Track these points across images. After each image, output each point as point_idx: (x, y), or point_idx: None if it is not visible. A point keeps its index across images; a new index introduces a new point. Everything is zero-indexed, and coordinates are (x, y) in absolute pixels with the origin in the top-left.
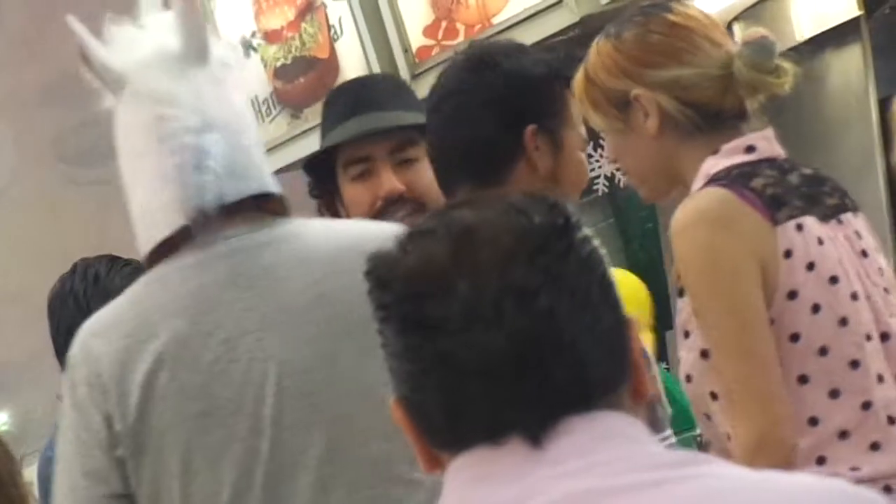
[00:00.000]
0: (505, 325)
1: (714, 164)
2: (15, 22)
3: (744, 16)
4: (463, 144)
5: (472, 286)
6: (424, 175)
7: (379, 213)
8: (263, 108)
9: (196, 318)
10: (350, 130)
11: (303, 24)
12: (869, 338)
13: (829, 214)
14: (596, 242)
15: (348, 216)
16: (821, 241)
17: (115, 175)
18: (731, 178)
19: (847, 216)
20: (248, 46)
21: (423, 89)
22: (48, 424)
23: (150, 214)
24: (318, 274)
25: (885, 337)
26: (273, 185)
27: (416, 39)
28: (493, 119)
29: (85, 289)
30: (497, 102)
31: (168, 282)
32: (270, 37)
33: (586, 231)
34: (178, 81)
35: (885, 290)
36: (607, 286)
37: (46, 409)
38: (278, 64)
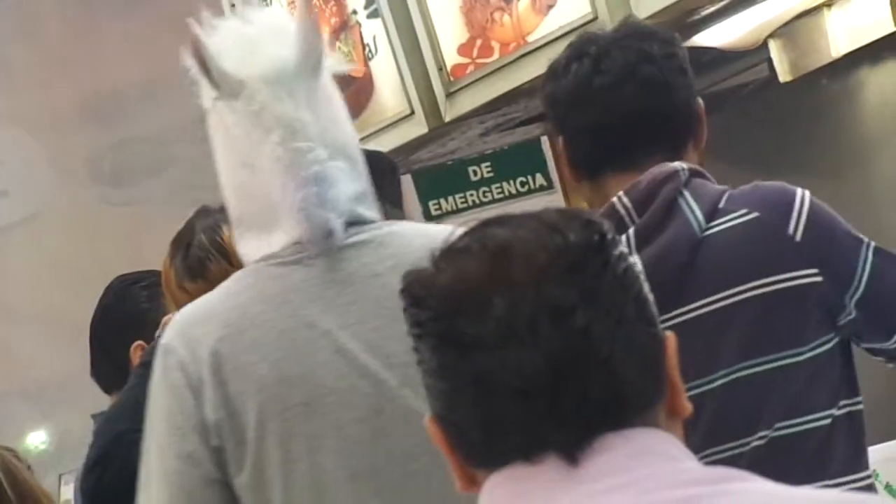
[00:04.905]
0: (540, 343)
1: None
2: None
3: (779, 33)
4: (665, 111)
5: (507, 304)
6: None
7: None
8: None
9: (297, 311)
10: None
11: (337, 43)
12: None
13: None
14: (632, 259)
15: None
16: None
17: (150, 195)
18: None
19: None
20: None
21: (457, 107)
22: (85, 444)
23: (263, 232)
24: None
25: None
26: (373, 210)
27: (451, 58)
28: (687, 86)
29: (122, 306)
30: (686, 71)
31: (266, 278)
32: None
33: (622, 248)
34: (301, 104)
35: None
36: (643, 303)
37: (83, 428)
38: None
